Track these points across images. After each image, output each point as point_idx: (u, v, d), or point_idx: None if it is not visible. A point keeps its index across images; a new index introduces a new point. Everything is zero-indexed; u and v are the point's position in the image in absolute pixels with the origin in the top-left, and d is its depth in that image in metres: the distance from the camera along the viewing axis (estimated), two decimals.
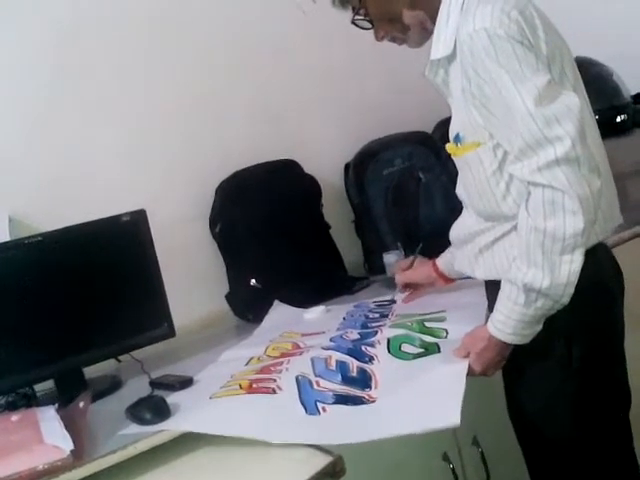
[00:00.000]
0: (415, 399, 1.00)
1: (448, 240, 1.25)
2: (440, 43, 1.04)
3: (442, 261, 1.35)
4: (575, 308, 0.98)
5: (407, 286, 1.44)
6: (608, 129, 1.81)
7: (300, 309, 1.57)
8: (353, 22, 1.13)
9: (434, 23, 1.06)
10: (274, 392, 1.09)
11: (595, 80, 1.95)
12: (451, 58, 1.04)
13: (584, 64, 1.95)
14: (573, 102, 0.93)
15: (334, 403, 1.04)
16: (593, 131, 1.06)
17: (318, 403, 1.04)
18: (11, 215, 1.40)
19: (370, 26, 1.13)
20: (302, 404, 1.05)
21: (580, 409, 1.08)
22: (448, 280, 1.37)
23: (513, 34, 0.94)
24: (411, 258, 1.44)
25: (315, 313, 1.52)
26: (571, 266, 0.94)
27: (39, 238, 1.29)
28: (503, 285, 1.01)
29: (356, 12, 1.12)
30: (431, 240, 1.43)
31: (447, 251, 1.33)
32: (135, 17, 1.63)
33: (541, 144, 0.92)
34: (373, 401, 1.03)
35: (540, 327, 1.00)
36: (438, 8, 1.05)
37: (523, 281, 0.96)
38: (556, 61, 0.99)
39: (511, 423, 1.17)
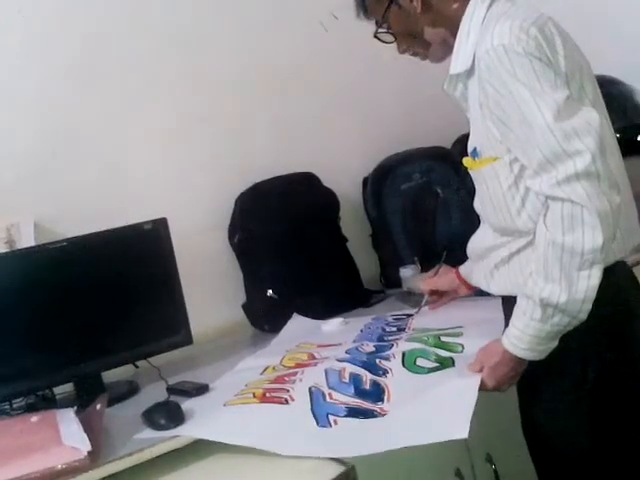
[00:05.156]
0: (425, 411, 1.00)
1: (465, 254, 1.25)
2: (459, 58, 1.05)
3: (464, 269, 1.37)
4: (592, 329, 0.97)
5: (432, 293, 1.45)
6: (630, 148, 1.79)
7: (318, 321, 1.57)
8: (375, 36, 1.15)
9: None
10: (286, 402, 1.09)
11: (616, 99, 1.95)
12: (470, 73, 1.05)
13: (605, 83, 1.95)
14: (592, 117, 0.93)
15: (346, 416, 1.04)
16: (613, 149, 1.05)
17: (330, 415, 1.04)
18: (36, 221, 1.43)
19: (393, 40, 1.15)
20: (314, 416, 1.05)
21: (595, 429, 1.07)
22: (470, 287, 1.38)
23: (531, 50, 0.94)
24: (436, 267, 1.47)
25: (333, 325, 1.52)
26: (589, 282, 0.93)
27: (63, 243, 1.32)
28: (519, 300, 1.01)
29: (379, 26, 1.14)
30: (448, 255, 1.44)
31: (468, 260, 1.34)
32: (165, 32, 1.66)
33: (560, 158, 0.92)
34: (384, 414, 1.03)
35: (556, 343, 0.99)
36: (459, 24, 1.06)
37: (540, 296, 0.95)
38: (575, 78, 1.00)
39: (525, 441, 1.16)
